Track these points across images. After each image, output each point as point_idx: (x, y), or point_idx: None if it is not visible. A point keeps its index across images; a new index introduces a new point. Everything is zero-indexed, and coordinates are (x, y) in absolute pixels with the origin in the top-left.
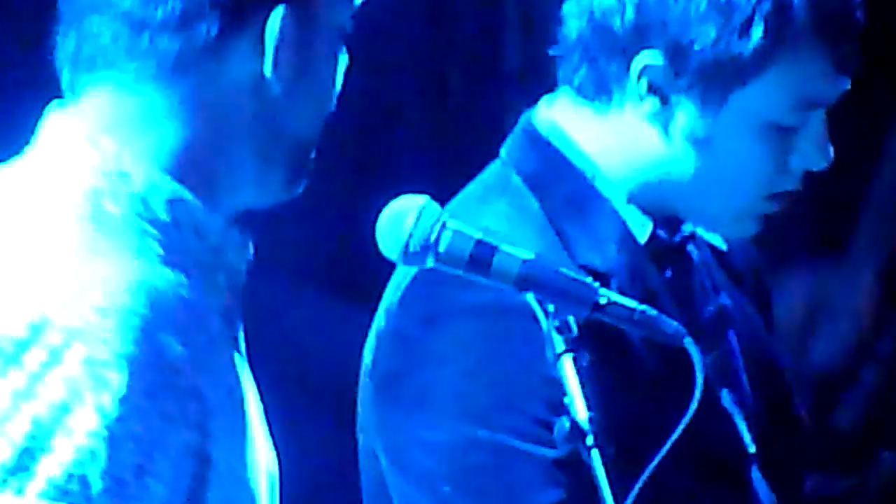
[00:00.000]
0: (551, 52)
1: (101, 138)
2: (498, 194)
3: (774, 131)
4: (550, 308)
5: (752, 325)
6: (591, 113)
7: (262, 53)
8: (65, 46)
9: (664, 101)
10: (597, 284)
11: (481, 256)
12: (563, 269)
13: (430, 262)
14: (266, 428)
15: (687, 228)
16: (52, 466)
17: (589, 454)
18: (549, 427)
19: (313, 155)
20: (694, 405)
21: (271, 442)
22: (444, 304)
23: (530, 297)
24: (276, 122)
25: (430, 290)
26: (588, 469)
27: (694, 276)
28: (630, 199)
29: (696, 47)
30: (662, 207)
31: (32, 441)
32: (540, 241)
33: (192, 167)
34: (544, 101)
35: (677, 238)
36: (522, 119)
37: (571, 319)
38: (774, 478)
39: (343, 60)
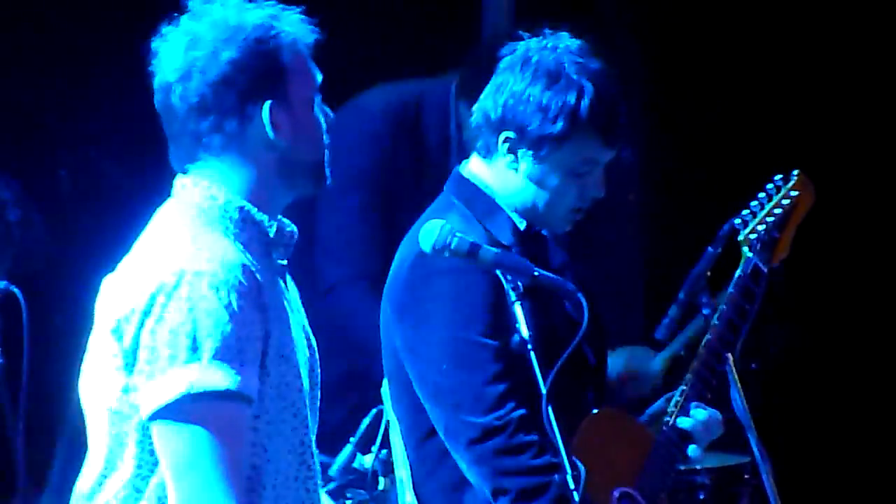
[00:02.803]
0: (466, 134)
1: (202, 186)
2: (448, 208)
3: (574, 175)
4: (509, 277)
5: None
6: (487, 165)
7: (266, 128)
8: (171, 148)
9: (515, 157)
10: (532, 266)
11: (473, 250)
12: (516, 256)
13: (447, 254)
14: (305, 329)
15: None
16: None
17: (530, 355)
18: (496, 329)
19: (327, 160)
20: (582, 330)
21: (309, 337)
22: (435, 268)
23: (498, 272)
24: (289, 159)
25: (425, 262)
26: (528, 363)
27: (548, 246)
28: (513, 210)
29: (530, 128)
30: (525, 214)
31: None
32: (475, 231)
33: (250, 192)
34: (466, 161)
35: (538, 228)
36: (454, 171)
37: (519, 283)
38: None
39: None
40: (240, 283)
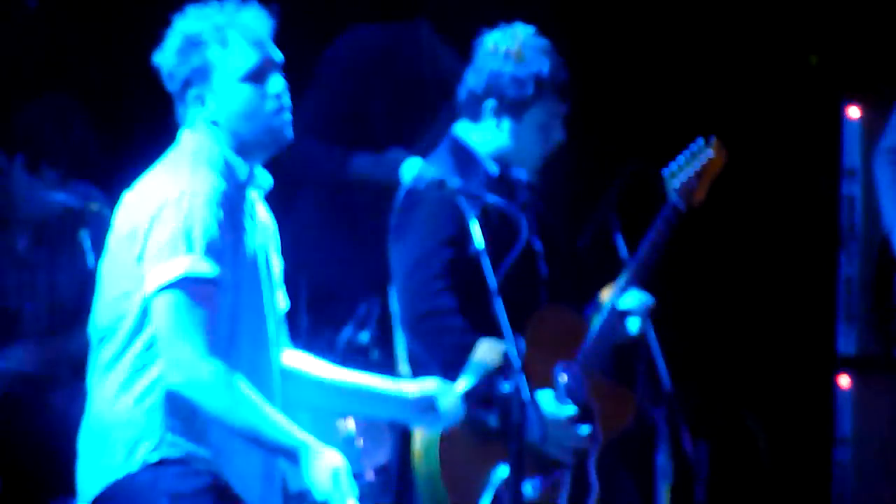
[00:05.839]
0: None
1: (199, 140)
2: (438, 158)
3: (544, 127)
4: (469, 202)
5: (545, 213)
6: (474, 126)
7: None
8: (176, 111)
9: (498, 119)
10: (485, 194)
11: (442, 181)
12: (473, 187)
13: (422, 184)
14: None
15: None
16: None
17: (483, 261)
18: (454, 242)
19: (271, 128)
20: (521, 244)
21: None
22: (416, 200)
23: (460, 199)
24: (234, 133)
25: (410, 196)
26: (482, 267)
27: (519, 189)
28: (492, 160)
29: (509, 96)
30: (502, 161)
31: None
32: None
33: (235, 146)
34: (459, 123)
35: (509, 173)
36: (449, 131)
37: (476, 207)
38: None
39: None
40: (223, 202)
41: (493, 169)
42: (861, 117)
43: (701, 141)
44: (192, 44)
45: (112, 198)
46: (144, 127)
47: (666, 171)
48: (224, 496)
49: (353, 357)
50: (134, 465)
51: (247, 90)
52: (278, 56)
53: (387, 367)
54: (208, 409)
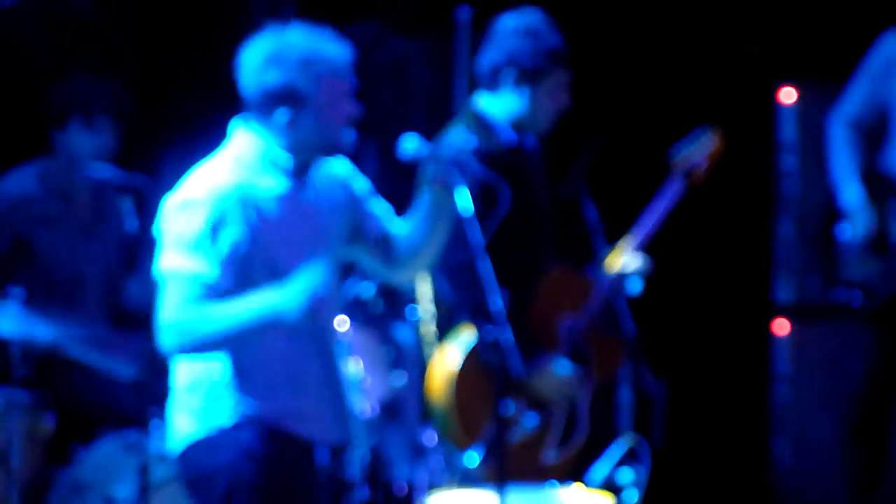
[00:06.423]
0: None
1: (255, 138)
2: (460, 125)
3: (555, 95)
4: (462, 170)
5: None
6: (492, 95)
7: (311, 123)
8: (245, 110)
9: (516, 88)
10: (475, 164)
11: (435, 152)
12: (465, 157)
13: (418, 155)
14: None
15: (527, 136)
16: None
17: (467, 225)
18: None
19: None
20: (504, 211)
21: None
22: None
23: (452, 170)
24: (305, 141)
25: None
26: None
27: (527, 150)
28: (509, 127)
29: (526, 68)
30: (520, 127)
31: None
32: (475, 142)
33: (286, 145)
34: (478, 92)
35: (524, 140)
36: (469, 100)
37: (467, 175)
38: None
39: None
40: (224, 208)
41: (511, 137)
42: (796, 99)
43: (706, 129)
44: (279, 67)
45: (156, 168)
46: (188, 102)
47: (674, 154)
48: (290, 454)
49: (356, 310)
50: (208, 427)
51: (329, 117)
52: (356, 83)
53: (389, 319)
54: (190, 345)
